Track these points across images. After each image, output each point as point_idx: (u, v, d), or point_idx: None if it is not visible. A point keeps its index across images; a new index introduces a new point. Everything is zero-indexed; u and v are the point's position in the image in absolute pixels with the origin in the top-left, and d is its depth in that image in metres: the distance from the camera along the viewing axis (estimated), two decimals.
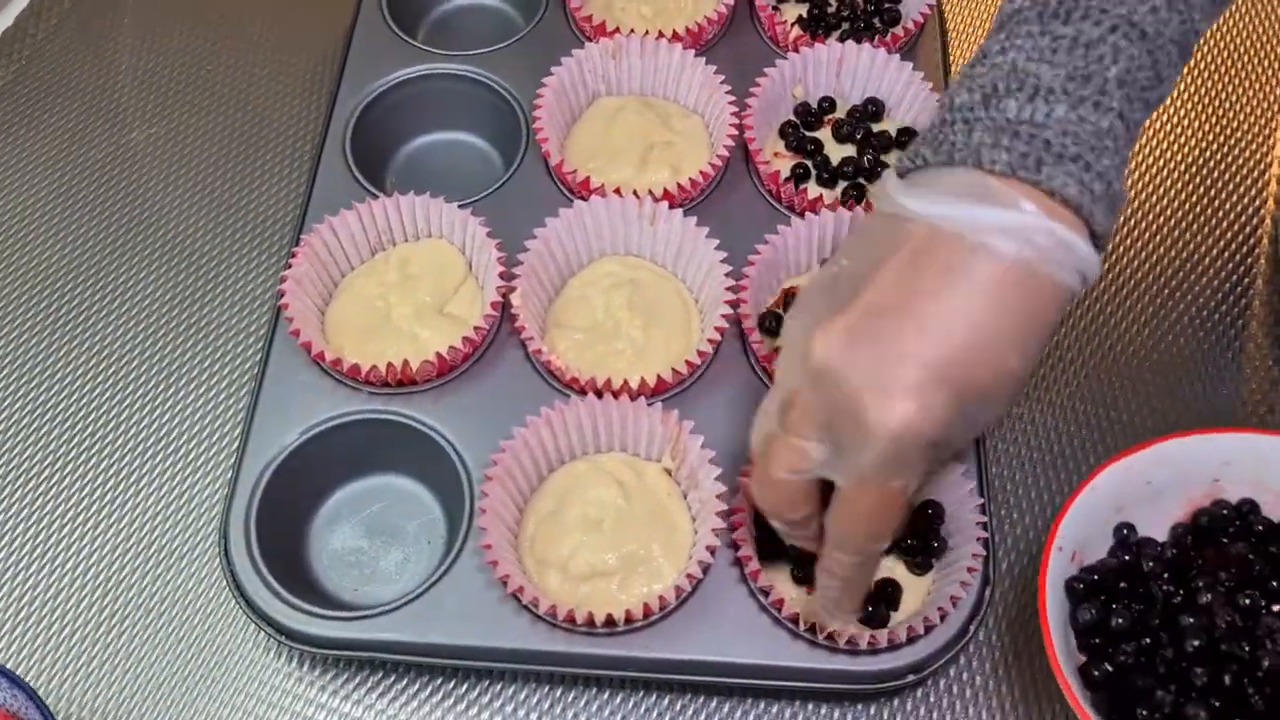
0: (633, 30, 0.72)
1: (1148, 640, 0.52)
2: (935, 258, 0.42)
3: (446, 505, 0.62)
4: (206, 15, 0.83)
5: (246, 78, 0.80)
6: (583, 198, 0.68)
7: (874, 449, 0.43)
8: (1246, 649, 0.50)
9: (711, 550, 0.55)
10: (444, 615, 0.56)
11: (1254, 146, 0.77)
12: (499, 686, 0.58)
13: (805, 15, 0.76)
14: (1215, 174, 0.76)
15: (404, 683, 0.59)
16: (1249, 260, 0.72)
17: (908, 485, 0.45)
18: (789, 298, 0.65)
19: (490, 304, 0.63)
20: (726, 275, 0.63)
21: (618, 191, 0.66)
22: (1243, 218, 0.74)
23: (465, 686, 0.59)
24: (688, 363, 0.61)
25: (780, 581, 0.56)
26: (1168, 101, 0.77)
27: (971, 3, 0.85)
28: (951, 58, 0.78)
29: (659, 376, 0.60)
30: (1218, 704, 0.50)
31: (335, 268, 0.66)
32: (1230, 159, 0.77)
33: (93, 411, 0.67)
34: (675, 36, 0.72)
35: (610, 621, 0.54)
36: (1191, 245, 0.73)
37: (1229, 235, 0.73)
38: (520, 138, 0.72)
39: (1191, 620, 0.51)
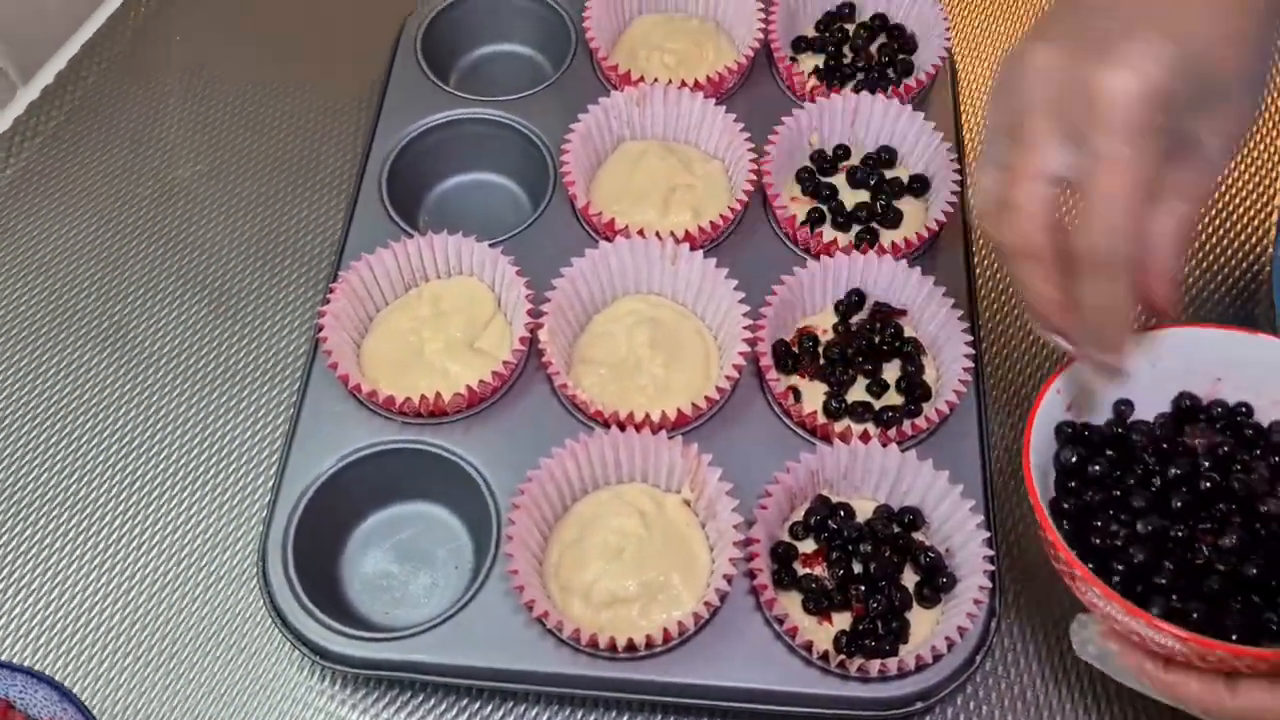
0: (656, 79, 0.75)
1: (1118, 493, 0.55)
2: None
3: (474, 532, 0.65)
4: (251, 61, 0.87)
5: (288, 118, 0.84)
6: (608, 238, 0.71)
7: (1110, 118, 0.44)
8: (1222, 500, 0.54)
9: (729, 579, 0.57)
10: (472, 638, 0.58)
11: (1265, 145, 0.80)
12: (522, 709, 0.61)
13: (821, 66, 0.79)
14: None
15: (430, 704, 0.61)
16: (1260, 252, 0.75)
17: (1145, 164, 0.44)
18: (803, 336, 0.68)
19: (519, 339, 0.65)
20: (744, 314, 0.66)
21: (641, 233, 0.69)
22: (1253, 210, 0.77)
23: (490, 708, 0.61)
24: (706, 398, 0.64)
25: (794, 611, 0.58)
26: None
27: (982, 54, 0.88)
28: (963, 108, 0.81)
29: (679, 411, 0.63)
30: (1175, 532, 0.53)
31: (371, 303, 0.69)
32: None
33: (138, 439, 0.70)
34: (697, 85, 0.76)
35: (630, 646, 0.57)
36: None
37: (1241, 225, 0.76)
38: (548, 180, 0.75)
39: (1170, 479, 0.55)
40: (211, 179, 0.81)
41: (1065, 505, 0.55)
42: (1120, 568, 0.52)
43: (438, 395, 0.63)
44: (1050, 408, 0.55)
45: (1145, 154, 0.44)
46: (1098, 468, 0.56)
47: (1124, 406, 0.58)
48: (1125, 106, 0.44)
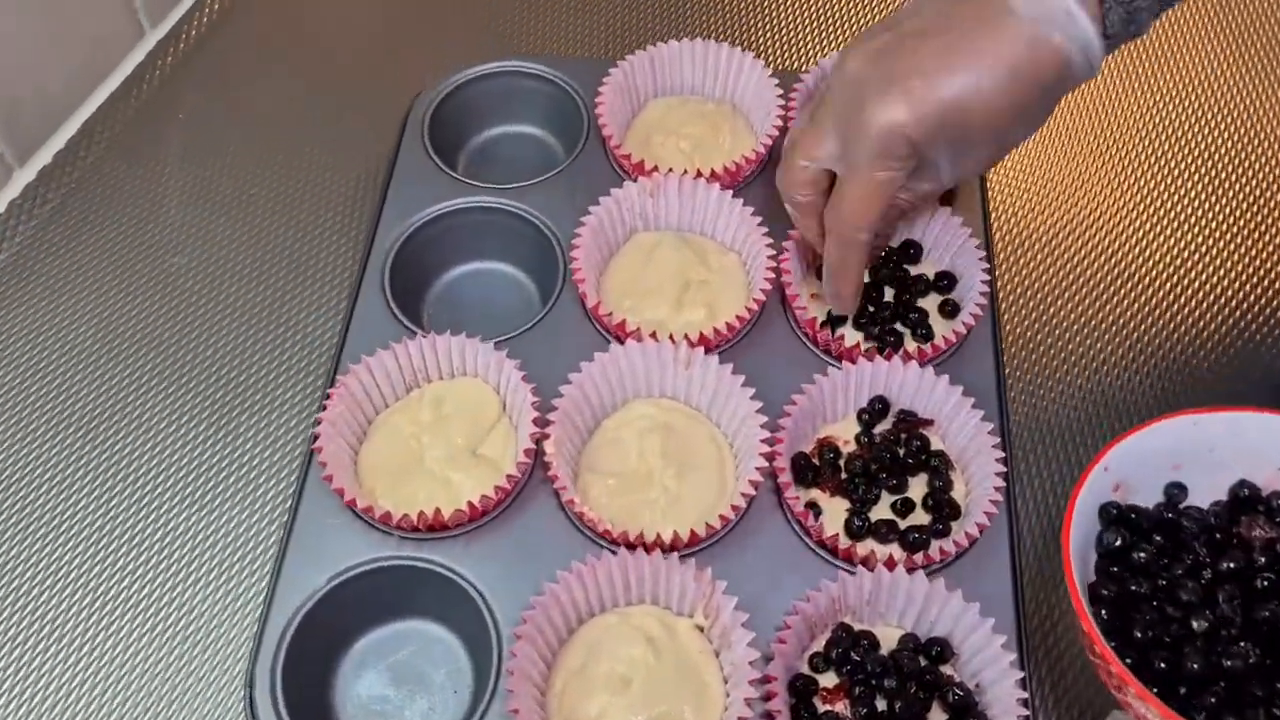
0: (670, 169, 0.73)
1: (1164, 583, 0.51)
2: (965, 6, 0.54)
3: (474, 653, 0.62)
4: (253, 143, 0.85)
5: (290, 201, 0.81)
6: (618, 338, 0.68)
7: (868, 138, 0.55)
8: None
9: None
10: None
11: None
12: None
13: None
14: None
15: None
16: None
17: (889, 180, 0.56)
18: (824, 447, 0.64)
19: (524, 450, 0.62)
20: (762, 425, 0.62)
21: (654, 335, 0.66)
22: None
23: None
24: (721, 517, 0.60)
25: None
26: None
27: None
28: (991, 206, 0.77)
29: (692, 531, 0.60)
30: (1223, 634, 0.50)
31: (370, 406, 0.66)
32: None
33: (120, 543, 0.67)
34: (713, 175, 0.73)
35: None
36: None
37: None
38: (558, 271, 0.73)
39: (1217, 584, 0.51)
40: (209, 266, 0.78)
41: (1105, 592, 0.52)
42: (1162, 666, 0.48)
43: (436, 511, 0.60)
44: (1096, 486, 0.52)
45: (887, 170, 0.56)
46: (1143, 555, 0.52)
47: (1176, 490, 0.55)
48: (879, 137, 0.55)
